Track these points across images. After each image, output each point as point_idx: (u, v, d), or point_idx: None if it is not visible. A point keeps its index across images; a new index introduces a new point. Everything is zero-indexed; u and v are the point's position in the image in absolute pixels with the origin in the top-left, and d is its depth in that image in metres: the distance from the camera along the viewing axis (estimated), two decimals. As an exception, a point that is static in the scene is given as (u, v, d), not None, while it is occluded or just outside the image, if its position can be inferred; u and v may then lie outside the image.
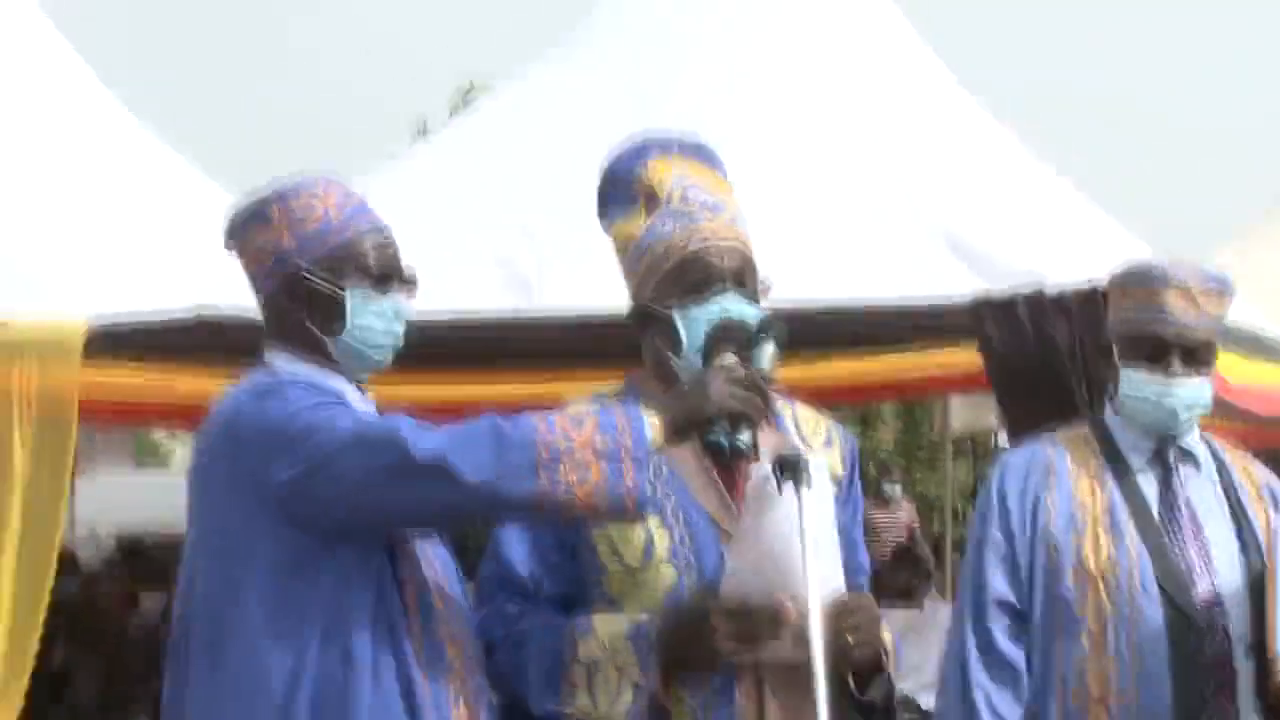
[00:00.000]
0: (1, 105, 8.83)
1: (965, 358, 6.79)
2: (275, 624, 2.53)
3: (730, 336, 2.71)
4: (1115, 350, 3.18)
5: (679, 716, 2.71)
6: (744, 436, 2.64)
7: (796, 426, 2.88)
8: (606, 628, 2.70)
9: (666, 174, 2.85)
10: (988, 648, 3.08)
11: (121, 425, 9.21)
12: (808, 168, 7.33)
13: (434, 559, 2.70)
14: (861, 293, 6.96)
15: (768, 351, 2.72)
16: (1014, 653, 3.07)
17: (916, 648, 7.55)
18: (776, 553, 2.62)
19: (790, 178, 7.16)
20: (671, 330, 2.76)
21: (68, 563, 10.25)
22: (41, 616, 7.44)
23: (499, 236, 7.47)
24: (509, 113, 7.62)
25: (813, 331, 5.64)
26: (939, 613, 7.44)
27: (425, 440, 2.51)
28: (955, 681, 3.10)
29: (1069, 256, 6.88)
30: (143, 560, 10.25)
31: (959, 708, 3.08)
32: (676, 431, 2.59)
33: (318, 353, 2.68)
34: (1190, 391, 3.09)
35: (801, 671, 2.61)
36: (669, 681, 2.68)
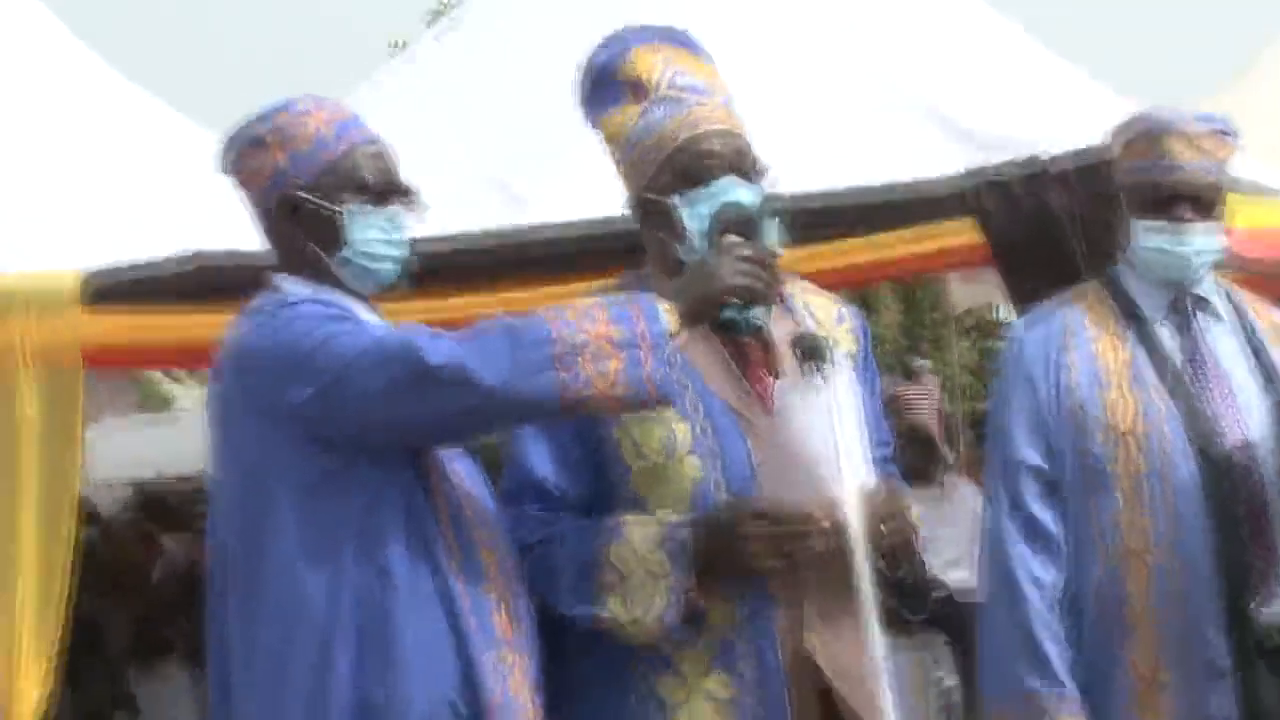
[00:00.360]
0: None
1: (963, 234, 6.76)
2: (308, 546, 2.53)
3: (733, 220, 2.69)
4: (1124, 203, 3.18)
5: (716, 620, 2.69)
6: (757, 312, 2.64)
7: (806, 308, 2.86)
8: (639, 532, 2.68)
9: (652, 62, 2.82)
10: (1021, 515, 3.08)
11: (125, 369, 9.20)
12: (787, 55, 7.27)
13: (461, 471, 2.68)
14: (851, 178, 6.94)
15: (772, 231, 2.69)
16: (1047, 518, 3.06)
17: (935, 526, 7.58)
18: (804, 444, 2.61)
19: (770, 66, 7.10)
20: (674, 219, 2.75)
21: (86, 513, 10.28)
22: (67, 566, 7.47)
23: (488, 153, 7.42)
24: (486, 26, 7.55)
25: (805, 220, 5.62)
26: (956, 490, 7.46)
27: (440, 347, 2.49)
28: (992, 553, 3.10)
29: (1059, 123, 6.84)
30: (160, 505, 10.26)
31: (997, 578, 3.08)
32: (689, 314, 2.58)
33: (322, 273, 2.66)
34: (1202, 238, 3.10)
35: (838, 571, 2.62)
36: (704, 586, 2.66)
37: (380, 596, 2.52)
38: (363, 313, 2.67)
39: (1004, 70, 7.51)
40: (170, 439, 11.68)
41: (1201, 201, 3.08)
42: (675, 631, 2.65)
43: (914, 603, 2.81)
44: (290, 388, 2.52)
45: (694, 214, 2.73)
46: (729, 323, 2.64)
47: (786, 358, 2.78)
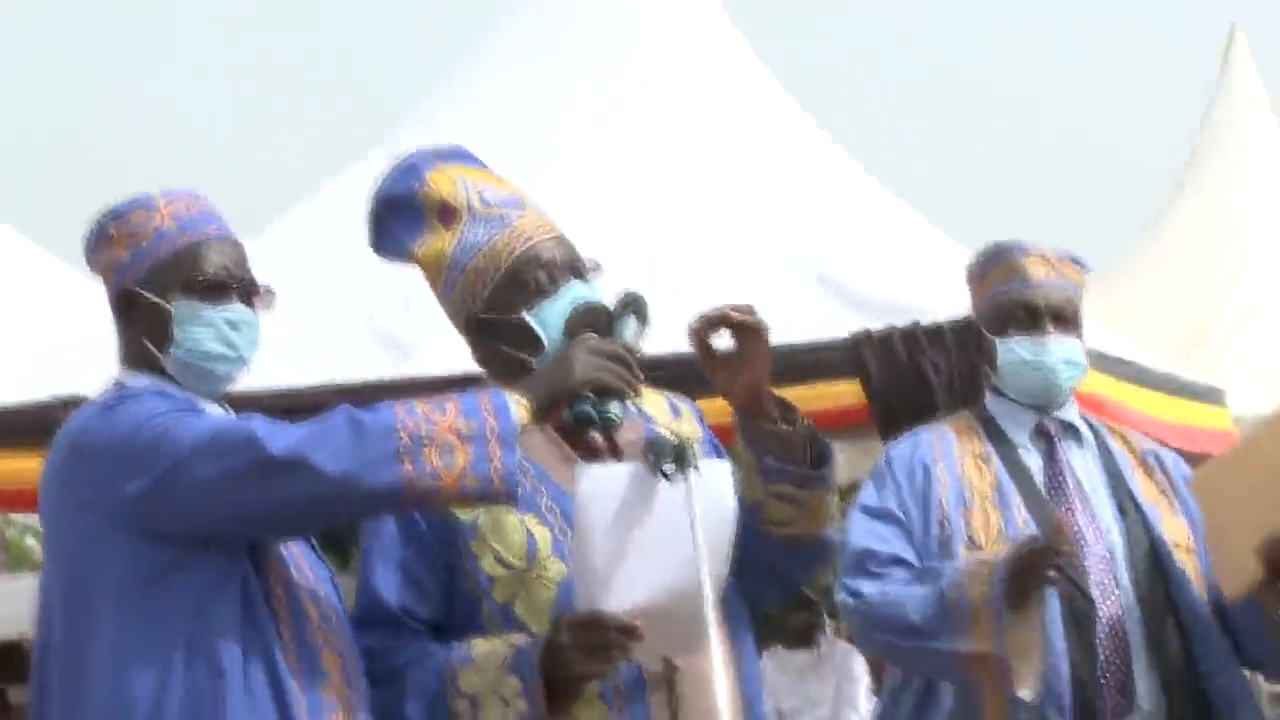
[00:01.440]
0: None
1: (846, 393, 6.83)
2: (136, 643, 2.44)
3: (589, 321, 2.66)
4: (986, 333, 3.22)
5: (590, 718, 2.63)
6: (614, 407, 2.57)
7: (639, 409, 2.81)
8: (487, 656, 2.61)
9: (451, 183, 2.78)
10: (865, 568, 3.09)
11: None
12: (677, 215, 7.37)
13: (305, 566, 2.61)
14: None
15: (630, 327, 2.65)
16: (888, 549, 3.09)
17: (815, 685, 7.56)
18: (642, 549, 2.54)
19: (660, 226, 7.19)
20: (526, 335, 2.71)
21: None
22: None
23: (373, 301, 7.41)
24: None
25: (690, 378, 5.65)
26: (835, 649, 7.50)
27: (281, 436, 2.43)
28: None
29: (939, 289, 6.96)
30: (17, 658, 9.94)
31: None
32: (542, 408, 2.53)
33: (158, 371, 2.59)
34: (1066, 349, 3.17)
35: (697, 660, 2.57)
36: (558, 704, 2.59)
37: (211, 693, 2.43)
38: (209, 408, 2.60)
39: (888, 238, 7.65)
40: (33, 590, 11.36)
41: (1062, 317, 3.16)
42: None
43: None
44: (124, 478, 2.45)
45: (549, 324, 2.71)
46: (584, 418, 2.58)
47: (632, 455, 2.74)
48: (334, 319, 7.46)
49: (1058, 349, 3.15)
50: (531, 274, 2.73)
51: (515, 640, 2.62)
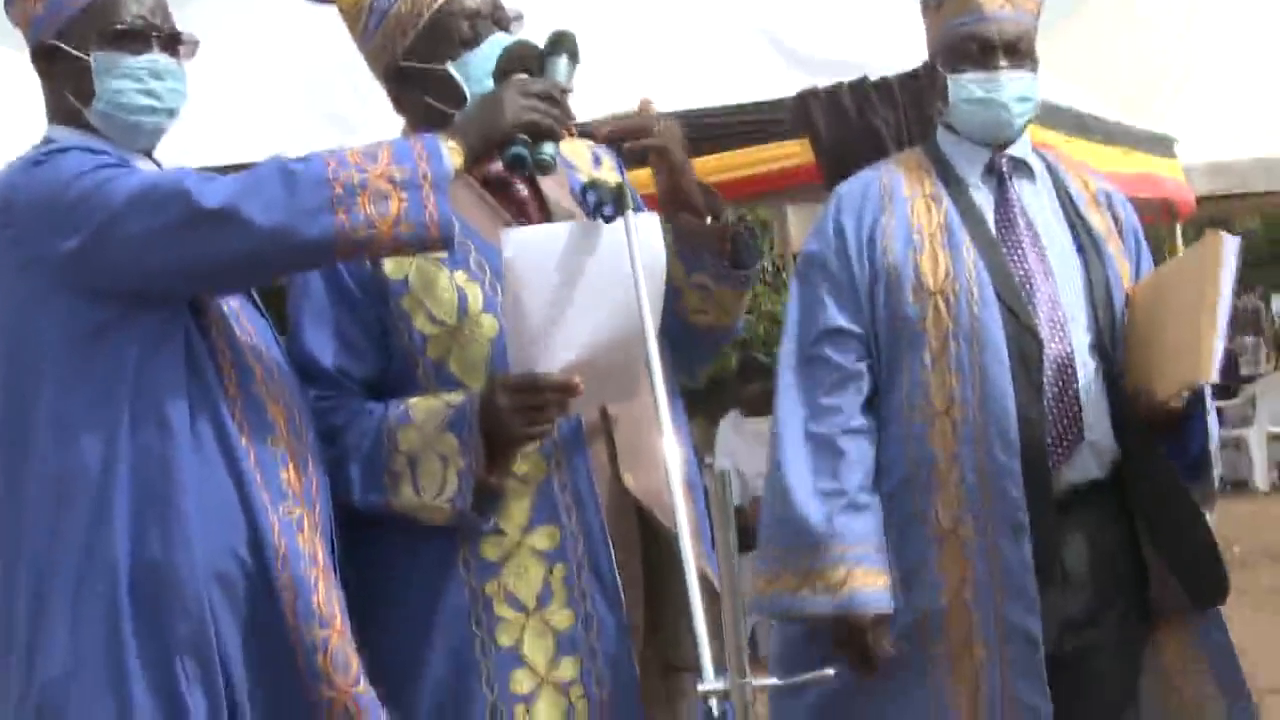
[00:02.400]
0: None
1: (795, 152, 6.80)
2: (80, 401, 2.42)
3: (519, 62, 2.61)
4: (940, 67, 3.17)
5: (530, 472, 2.64)
6: (547, 148, 2.53)
7: (562, 156, 2.77)
8: (425, 415, 2.61)
9: None
10: (811, 402, 3.06)
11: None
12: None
13: (247, 322, 2.58)
14: (689, 100, 6.93)
15: (561, 65, 2.60)
16: (836, 400, 3.05)
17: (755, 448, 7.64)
18: (574, 305, 2.53)
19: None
20: (449, 86, 2.68)
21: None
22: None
23: (322, 85, 7.29)
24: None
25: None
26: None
27: (213, 189, 2.39)
28: (773, 459, 3.09)
29: (887, 44, 6.89)
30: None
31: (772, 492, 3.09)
32: (474, 152, 2.49)
33: (83, 125, 2.54)
34: (1019, 85, 3.10)
35: (640, 405, 2.58)
36: (495, 461, 2.59)
37: (160, 451, 2.42)
38: (140, 163, 2.56)
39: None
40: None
41: (1017, 50, 3.09)
42: (468, 514, 2.59)
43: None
44: (58, 236, 2.41)
45: (474, 75, 2.67)
46: (517, 159, 2.54)
47: (560, 207, 2.73)
48: (285, 101, 7.36)
49: (1010, 84, 3.08)
50: (455, 24, 2.68)
51: (453, 399, 2.61)
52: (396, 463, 2.61)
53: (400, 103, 2.77)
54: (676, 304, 2.76)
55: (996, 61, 3.07)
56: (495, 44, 2.67)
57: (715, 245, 2.75)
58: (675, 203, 2.74)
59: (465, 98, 2.66)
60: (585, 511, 2.64)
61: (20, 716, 2.47)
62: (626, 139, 2.68)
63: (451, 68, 2.68)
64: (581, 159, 2.84)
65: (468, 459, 2.56)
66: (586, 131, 2.77)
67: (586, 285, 2.53)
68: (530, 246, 2.54)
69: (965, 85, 3.10)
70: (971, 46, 3.09)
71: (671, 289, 2.72)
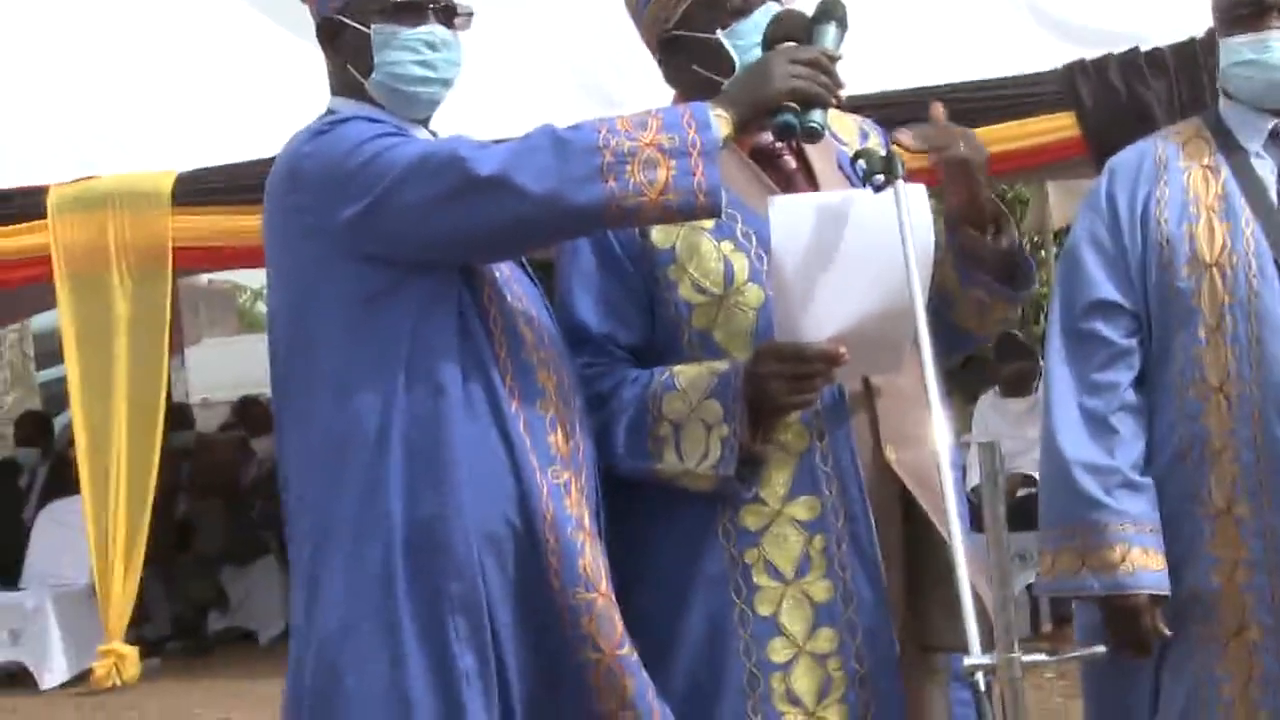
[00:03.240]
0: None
1: (1062, 128, 6.68)
2: (359, 363, 2.48)
3: (787, 30, 2.60)
4: (1218, 34, 3.08)
5: (793, 442, 2.64)
6: (816, 115, 2.51)
7: (830, 130, 2.74)
8: (691, 382, 2.62)
9: None
10: (1083, 378, 3.01)
11: (217, 268, 9.34)
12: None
13: (519, 288, 2.63)
14: (950, 74, 6.87)
15: (830, 33, 2.58)
16: (1110, 376, 2.99)
17: (1033, 429, 7.51)
18: (842, 275, 2.52)
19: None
20: (719, 55, 2.69)
21: (183, 419, 10.43)
22: (155, 466, 7.61)
23: (582, 56, 7.39)
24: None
25: (908, 116, 5.59)
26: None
27: (487, 157, 2.43)
28: (1048, 448, 3.04)
29: (1157, 15, 6.72)
30: (254, 411, 10.34)
31: (1053, 477, 3.04)
32: (743, 120, 2.49)
33: (364, 97, 2.62)
34: None
35: (912, 385, 2.57)
36: (758, 430, 2.60)
37: (433, 413, 2.47)
38: (417, 133, 2.62)
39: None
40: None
41: None
42: (730, 481, 2.60)
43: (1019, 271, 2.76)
44: (339, 203, 2.47)
45: (743, 45, 2.67)
46: (786, 126, 2.52)
47: (828, 178, 2.71)
48: (544, 74, 7.47)
49: None
50: None
51: (718, 367, 2.62)
52: (661, 429, 2.63)
53: (671, 72, 2.78)
54: (947, 309, 2.76)
55: (1268, 22, 2.96)
56: (766, 12, 2.67)
57: (997, 267, 2.73)
58: (965, 218, 2.70)
59: (735, 66, 2.67)
60: (846, 484, 2.63)
61: (300, 665, 2.56)
62: (930, 151, 2.64)
63: (722, 36, 2.69)
64: (849, 133, 2.83)
65: (732, 426, 2.57)
66: (857, 106, 2.76)
67: (853, 255, 2.52)
68: (797, 215, 2.53)
69: (1235, 48, 3.01)
70: (1243, 10, 2.99)
71: (946, 296, 2.73)
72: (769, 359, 2.56)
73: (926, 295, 2.49)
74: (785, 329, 2.56)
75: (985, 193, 2.69)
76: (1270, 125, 3.05)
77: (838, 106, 2.57)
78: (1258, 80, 3.02)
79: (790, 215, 2.53)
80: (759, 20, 2.67)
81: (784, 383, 2.54)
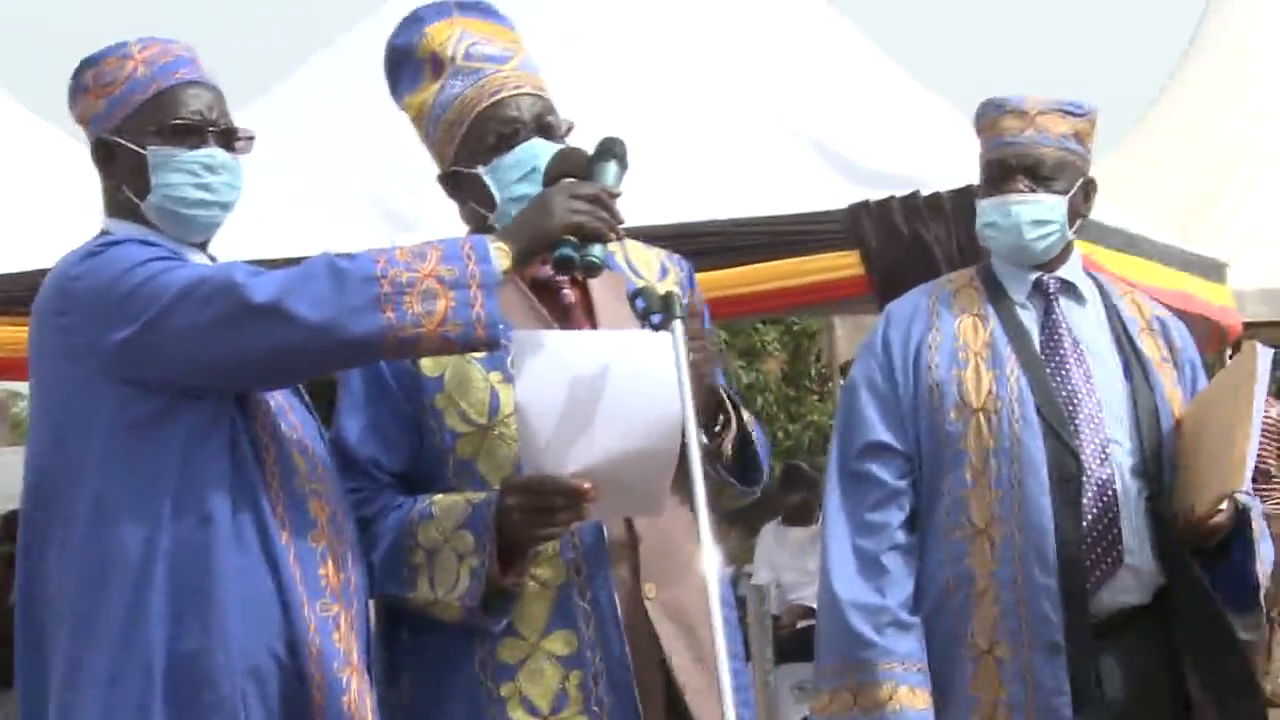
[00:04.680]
0: None
1: (845, 263, 6.83)
2: (124, 491, 2.45)
3: (568, 167, 2.64)
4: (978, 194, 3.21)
5: (551, 577, 2.65)
6: (595, 250, 2.55)
7: (629, 263, 2.81)
8: (446, 511, 2.63)
9: (447, 36, 2.78)
10: (856, 518, 3.09)
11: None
12: (681, 92, 7.35)
13: (294, 417, 2.61)
14: (738, 208, 7.00)
15: (611, 170, 2.62)
16: (881, 517, 3.07)
17: (814, 560, 7.60)
18: (596, 411, 2.52)
19: (665, 102, 7.17)
20: (482, 188, 2.72)
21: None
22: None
23: (370, 172, 7.38)
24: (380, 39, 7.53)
25: (692, 249, 5.67)
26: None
27: (261, 283, 2.43)
28: (823, 586, 3.12)
29: (939, 159, 6.93)
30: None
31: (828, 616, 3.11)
32: (523, 253, 2.52)
33: (139, 218, 2.59)
34: (1033, 208, 3.11)
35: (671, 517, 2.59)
36: (511, 562, 2.60)
37: (200, 544, 2.45)
38: (194, 256, 2.60)
39: (886, 108, 7.60)
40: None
41: (1038, 173, 3.10)
42: (476, 612, 2.61)
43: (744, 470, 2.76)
44: (110, 326, 2.45)
45: (502, 180, 2.71)
46: (565, 260, 2.56)
47: (608, 313, 2.74)
48: (334, 192, 7.45)
49: (1022, 209, 3.09)
50: (492, 129, 2.73)
51: (474, 498, 2.63)
52: (416, 557, 2.63)
53: (459, 207, 2.82)
54: None
55: (1012, 185, 3.09)
56: (530, 149, 2.71)
57: (726, 454, 2.74)
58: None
59: (495, 201, 2.71)
60: (603, 620, 2.65)
61: None
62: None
63: (482, 171, 2.73)
64: (649, 267, 2.86)
65: (481, 557, 2.58)
66: (650, 237, 2.79)
67: (609, 394, 2.53)
68: (544, 350, 2.54)
69: (983, 209, 3.16)
70: (994, 170, 3.13)
71: None
72: (512, 492, 2.58)
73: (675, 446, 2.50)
74: (529, 461, 2.57)
75: (712, 393, 2.70)
76: (1033, 278, 3.17)
77: (616, 240, 2.61)
78: (1003, 241, 3.15)
79: (533, 349, 2.54)
80: (520, 157, 2.71)
81: (526, 515, 2.56)
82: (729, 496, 2.77)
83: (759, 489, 2.82)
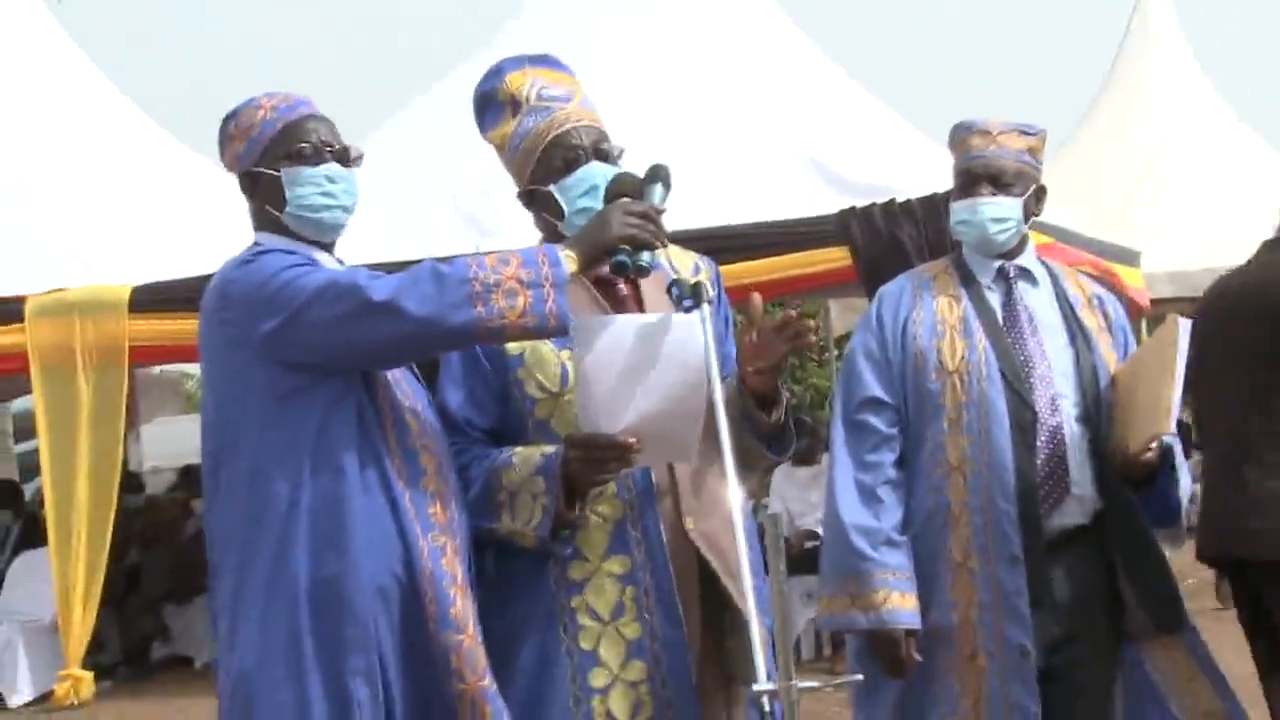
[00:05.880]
0: (28, 109, 8.70)
1: (837, 257, 6.81)
2: (274, 448, 2.46)
3: (624, 188, 2.63)
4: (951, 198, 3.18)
5: (609, 512, 2.64)
6: (645, 256, 2.54)
7: (669, 263, 2.80)
8: (524, 460, 2.63)
9: (522, 82, 2.77)
10: (857, 457, 3.05)
11: (165, 363, 9.20)
12: (700, 119, 7.35)
13: (407, 388, 2.61)
14: (746, 215, 6.99)
15: (657, 191, 2.61)
16: (882, 470, 3.04)
17: (816, 493, 7.58)
18: (638, 380, 2.51)
19: (692, 131, 7.17)
20: (554, 203, 2.71)
21: (135, 484, 10.17)
22: (110, 523, 7.44)
23: (463, 190, 7.39)
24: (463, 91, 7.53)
25: (715, 248, 5.66)
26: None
27: (379, 285, 2.44)
28: (829, 512, 3.08)
29: (910, 172, 6.90)
30: (197, 477, 10.07)
31: (833, 537, 3.06)
32: (587, 258, 2.52)
33: (281, 229, 2.60)
34: (995, 208, 3.09)
35: (706, 460, 2.57)
36: (572, 502, 2.60)
37: (334, 491, 2.45)
38: (324, 260, 2.61)
39: (868, 131, 7.58)
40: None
41: (1000, 181, 3.09)
42: (548, 540, 2.60)
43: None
44: (260, 319, 2.46)
45: (569, 196, 2.70)
46: (621, 265, 2.55)
47: (653, 303, 2.72)
48: (428, 205, 7.45)
49: (986, 209, 3.08)
50: (560, 154, 2.72)
51: (547, 449, 2.62)
52: (500, 495, 2.63)
53: (534, 218, 2.80)
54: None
55: (978, 190, 3.09)
56: (590, 170, 2.70)
57: (767, 433, 2.71)
58: (755, 387, 2.67)
59: (564, 213, 2.70)
60: (652, 547, 2.64)
61: (223, 694, 2.51)
62: (758, 337, 2.62)
63: (552, 188, 2.71)
64: (685, 265, 2.85)
65: (550, 497, 2.58)
66: (682, 240, 2.75)
67: (648, 365, 2.52)
68: (597, 333, 2.53)
69: (956, 210, 3.14)
70: (962, 179, 3.13)
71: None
72: (573, 446, 2.57)
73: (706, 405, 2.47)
74: (585, 422, 2.56)
75: (775, 381, 2.68)
76: (996, 265, 3.15)
77: (662, 248, 2.59)
78: (972, 235, 3.13)
79: (589, 332, 2.52)
80: (582, 176, 2.70)
81: (583, 465, 2.55)
82: (757, 457, 2.74)
83: (785, 457, 2.78)
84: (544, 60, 2.84)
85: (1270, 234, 3.58)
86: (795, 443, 2.78)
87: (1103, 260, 7.59)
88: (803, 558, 6.93)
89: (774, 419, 2.70)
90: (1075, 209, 8.48)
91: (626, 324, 2.56)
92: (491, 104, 2.79)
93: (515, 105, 2.76)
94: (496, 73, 2.81)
